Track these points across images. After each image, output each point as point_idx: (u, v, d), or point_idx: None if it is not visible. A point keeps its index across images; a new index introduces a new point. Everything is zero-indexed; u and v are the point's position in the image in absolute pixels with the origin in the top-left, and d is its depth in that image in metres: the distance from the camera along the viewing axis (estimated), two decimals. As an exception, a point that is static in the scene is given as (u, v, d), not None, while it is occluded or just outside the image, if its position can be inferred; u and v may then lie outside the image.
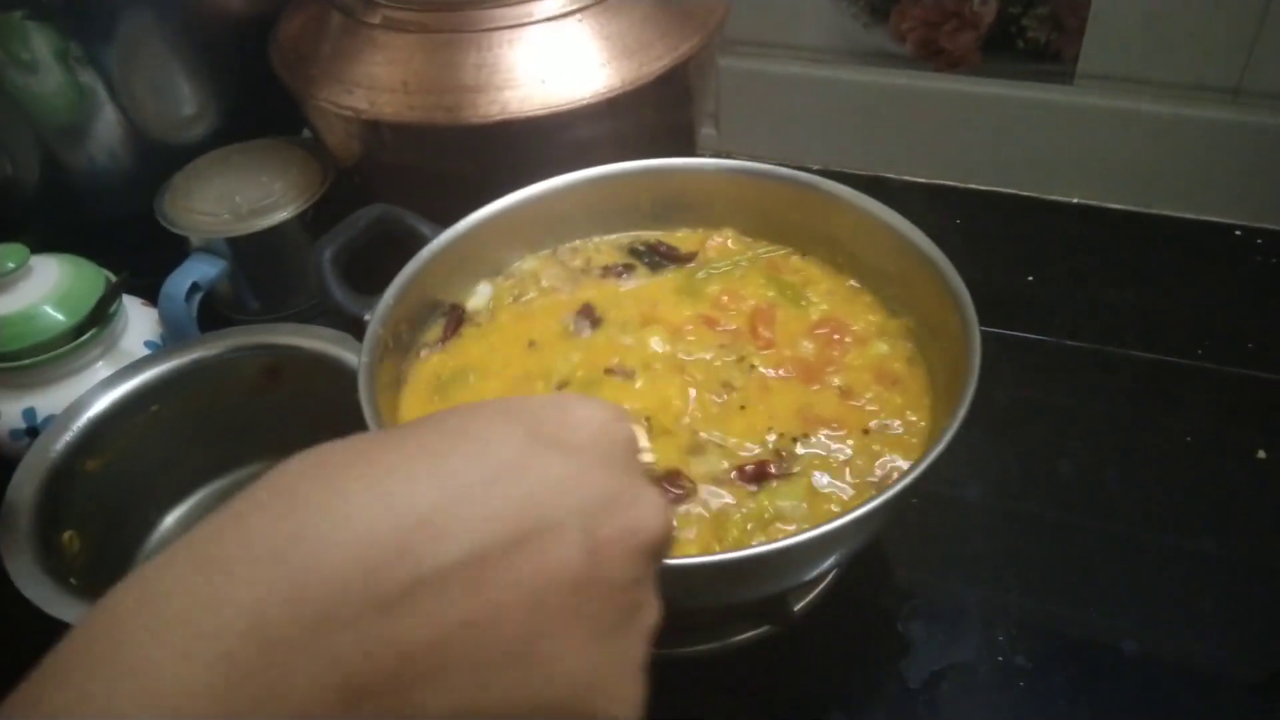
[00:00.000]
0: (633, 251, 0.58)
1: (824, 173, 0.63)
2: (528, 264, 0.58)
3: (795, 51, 0.80)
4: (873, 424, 0.47)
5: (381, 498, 0.23)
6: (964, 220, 0.77)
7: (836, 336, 0.51)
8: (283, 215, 0.65)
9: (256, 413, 0.58)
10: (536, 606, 0.23)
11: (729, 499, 0.44)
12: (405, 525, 0.22)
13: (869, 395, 0.48)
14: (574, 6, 0.61)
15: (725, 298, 0.54)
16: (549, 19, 0.61)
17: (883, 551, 0.54)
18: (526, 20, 0.60)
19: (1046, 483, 0.57)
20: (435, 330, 0.54)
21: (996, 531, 0.55)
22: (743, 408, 0.48)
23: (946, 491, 0.57)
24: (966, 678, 0.48)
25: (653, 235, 0.59)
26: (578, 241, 0.59)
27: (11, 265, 0.58)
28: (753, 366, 0.50)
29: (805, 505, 0.44)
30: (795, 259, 0.56)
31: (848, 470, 0.45)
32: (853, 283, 0.54)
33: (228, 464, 0.60)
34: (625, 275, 0.57)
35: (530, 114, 0.59)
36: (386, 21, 0.61)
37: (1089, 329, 0.67)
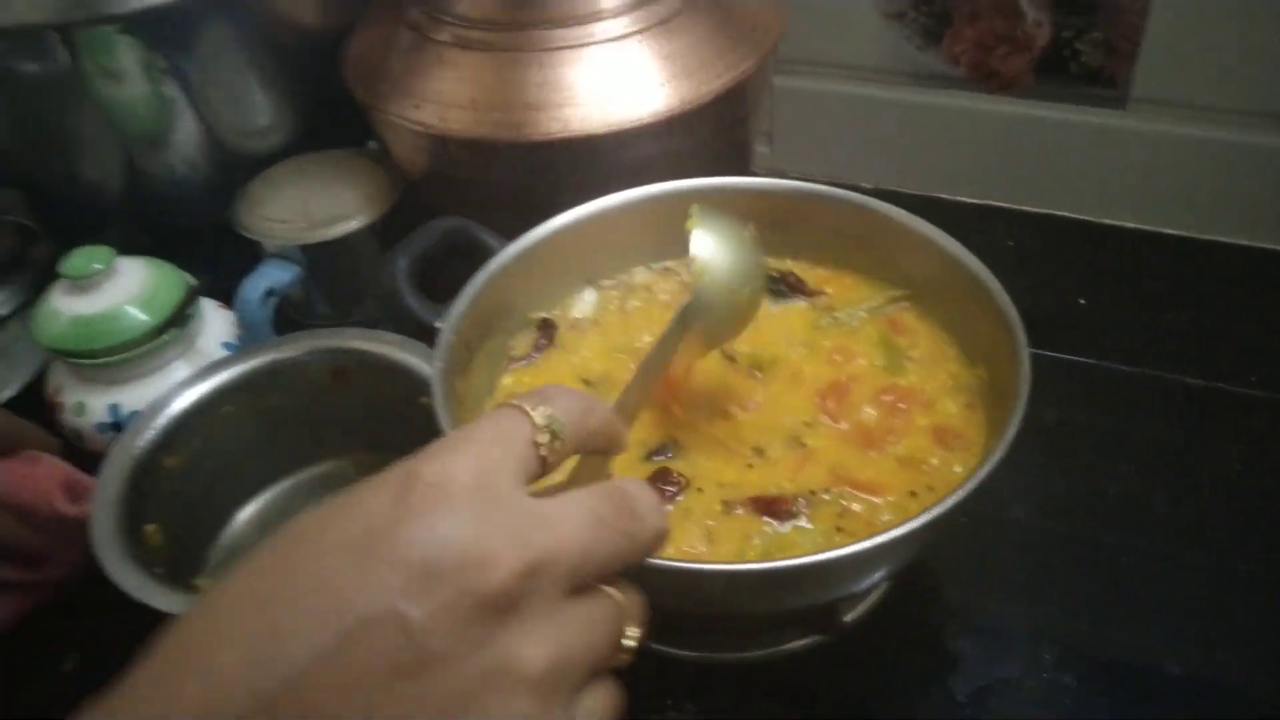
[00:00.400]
0: None
1: (876, 191, 0.63)
2: (638, 276, 0.59)
3: (849, 71, 0.82)
4: (921, 488, 0.47)
5: (216, 636, 0.25)
6: (1016, 242, 0.78)
7: (902, 406, 0.51)
8: (354, 224, 0.67)
9: (325, 413, 0.61)
10: (369, 704, 0.25)
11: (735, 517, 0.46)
12: (234, 660, 0.25)
13: (934, 461, 0.48)
14: (635, 28, 0.63)
15: (837, 356, 0.54)
16: (611, 39, 0.62)
17: (931, 567, 0.55)
18: (589, 40, 0.62)
19: (1094, 504, 0.58)
20: (523, 343, 0.56)
21: (1044, 551, 0.56)
22: (750, 466, 0.49)
23: (994, 511, 0.57)
24: (1012, 694, 0.49)
25: (782, 263, 0.59)
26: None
27: (99, 267, 0.61)
28: (802, 445, 0.49)
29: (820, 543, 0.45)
30: (910, 316, 0.56)
31: (873, 524, 0.46)
32: (944, 333, 0.54)
33: (298, 462, 0.62)
34: None
35: (591, 132, 0.61)
36: (455, 40, 0.64)
37: (1141, 353, 0.67)
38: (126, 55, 0.66)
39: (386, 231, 0.68)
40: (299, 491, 0.62)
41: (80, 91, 0.68)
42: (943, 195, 0.83)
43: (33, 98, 0.70)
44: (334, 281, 0.69)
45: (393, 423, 0.60)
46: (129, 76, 0.68)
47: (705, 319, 0.46)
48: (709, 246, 0.46)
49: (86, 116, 0.70)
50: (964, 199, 0.83)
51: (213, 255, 0.68)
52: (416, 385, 0.57)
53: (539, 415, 0.30)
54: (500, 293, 0.53)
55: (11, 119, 0.74)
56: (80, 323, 0.60)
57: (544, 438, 0.30)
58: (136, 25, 0.65)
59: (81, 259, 0.61)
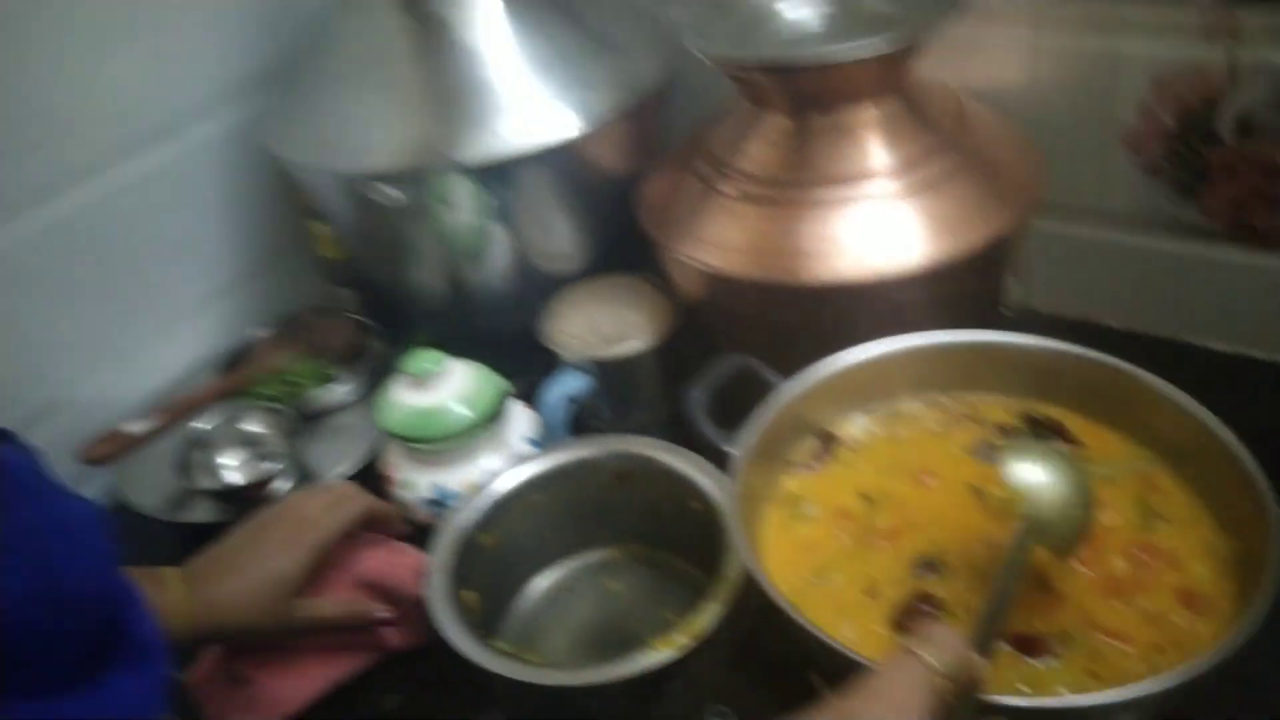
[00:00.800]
0: (1026, 418, 0.63)
1: (1125, 332, 0.65)
2: (909, 406, 0.66)
3: (1102, 218, 0.84)
4: (1166, 644, 0.50)
5: None
6: (1272, 395, 0.77)
7: (1151, 562, 0.54)
8: (638, 345, 0.77)
9: (608, 507, 0.70)
10: None
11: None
12: None
13: (1179, 621, 0.50)
14: (904, 188, 0.69)
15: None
16: (881, 197, 0.70)
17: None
18: (861, 197, 0.70)
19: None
20: (802, 452, 0.63)
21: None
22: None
23: (1241, 669, 0.58)
24: None
25: (1047, 408, 0.63)
26: (963, 394, 0.66)
27: (432, 368, 0.74)
28: (1049, 587, 0.53)
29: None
30: (1165, 476, 0.58)
31: (1123, 670, 0.49)
32: (1197, 497, 0.56)
33: (580, 546, 0.72)
34: (1010, 437, 0.62)
35: (858, 280, 0.68)
36: (739, 193, 0.73)
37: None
38: (462, 192, 0.81)
39: (669, 354, 0.78)
40: (580, 572, 0.72)
41: (419, 215, 0.82)
42: (1193, 341, 0.83)
43: (381, 219, 0.85)
44: (617, 392, 0.79)
45: (663, 521, 0.69)
46: (461, 208, 0.82)
47: (1044, 541, 0.51)
48: (1028, 474, 0.52)
49: (421, 235, 0.85)
50: (1215, 346, 0.83)
51: (514, 358, 0.79)
52: (687, 489, 0.66)
53: (940, 663, 0.35)
54: (782, 419, 0.61)
55: (362, 235, 0.91)
56: (415, 414, 0.73)
57: (947, 685, 0.35)
58: (474, 170, 0.79)
59: (419, 361, 0.74)
